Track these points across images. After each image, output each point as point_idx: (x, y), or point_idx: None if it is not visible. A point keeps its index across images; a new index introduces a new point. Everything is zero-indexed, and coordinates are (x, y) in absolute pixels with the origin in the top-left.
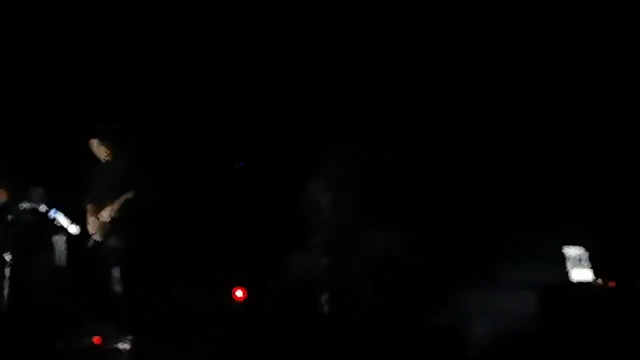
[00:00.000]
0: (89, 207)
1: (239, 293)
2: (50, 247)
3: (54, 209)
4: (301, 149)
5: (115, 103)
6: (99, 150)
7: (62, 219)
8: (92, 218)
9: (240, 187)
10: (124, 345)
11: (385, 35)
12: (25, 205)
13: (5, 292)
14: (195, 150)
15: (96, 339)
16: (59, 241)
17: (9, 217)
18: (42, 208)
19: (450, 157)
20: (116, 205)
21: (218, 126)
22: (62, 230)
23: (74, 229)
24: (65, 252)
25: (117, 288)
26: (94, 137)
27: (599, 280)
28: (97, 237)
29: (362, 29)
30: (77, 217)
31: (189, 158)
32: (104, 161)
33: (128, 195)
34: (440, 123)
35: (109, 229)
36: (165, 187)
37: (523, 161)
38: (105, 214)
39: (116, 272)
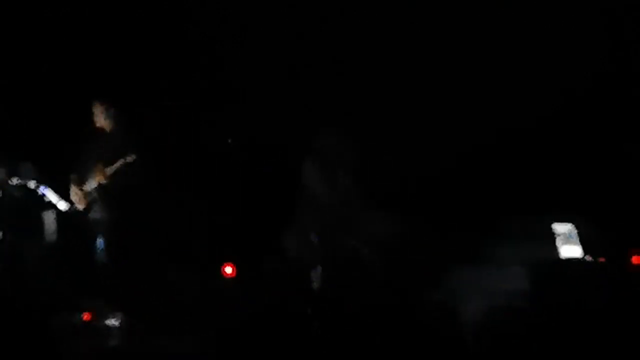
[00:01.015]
0: (73, 176)
1: (228, 269)
2: (40, 223)
3: (43, 184)
4: (295, 134)
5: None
6: (103, 115)
7: (51, 195)
8: (75, 188)
9: (232, 166)
10: (114, 322)
11: (381, 35)
12: (14, 181)
13: None
14: (185, 132)
15: (86, 315)
16: (49, 217)
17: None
18: (31, 184)
19: (442, 143)
20: (109, 170)
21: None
22: (52, 206)
23: (63, 205)
24: (55, 228)
25: (102, 259)
26: (103, 102)
27: (589, 257)
28: (79, 207)
29: (360, 28)
30: (66, 192)
31: (179, 139)
32: (101, 129)
33: (127, 159)
34: (436, 112)
35: (93, 199)
36: (157, 164)
37: (513, 143)
38: (92, 183)
39: (100, 244)
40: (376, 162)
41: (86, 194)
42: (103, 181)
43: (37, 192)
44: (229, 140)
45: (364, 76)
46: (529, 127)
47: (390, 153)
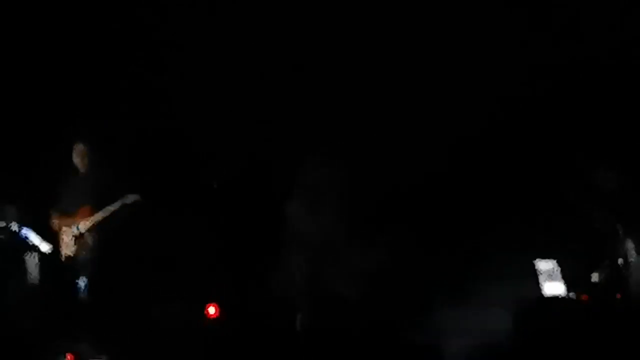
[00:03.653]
0: (58, 218)
1: (211, 310)
2: (23, 265)
3: (25, 227)
4: (279, 162)
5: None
6: (82, 157)
7: (33, 237)
8: (64, 229)
9: (216, 203)
10: None
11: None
12: None
13: None
14: (170, 166)
15: (70, 358)
16: (31, 260)
17: None
18: (14, 226)
19: (423, 172)
20: (99, 216)
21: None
22: (34, 248)
23: (45, 247)
24: (37, 270)
25: (85, 300)
26: (81, 142)
27: (572, 294)
28: (68, 252)
29: (341, 35)
30: (48, 234)
31: (163, 173)
32: (83, 170)
33: (127, 200)
34: (416, 135)
35: (81, 241)
36: (142, 203)
37: (496, 176)
38: (82, 225)
39: (82, 282)
40: (360, 191)
41: (78, 237)
42: (93, 223)
43: (20, 235)
44: (215, 185)
45: (344, 90)
46: (500, 143)
47: (374, 181)
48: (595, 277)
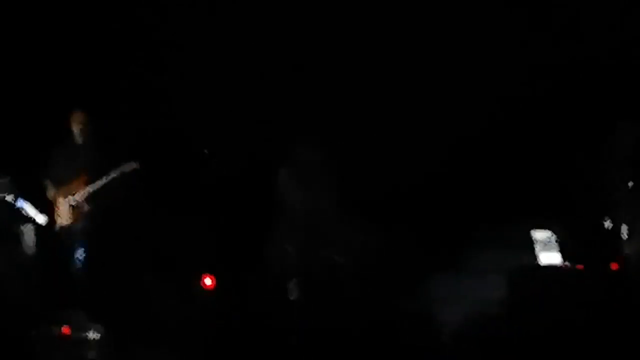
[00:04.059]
0: (54, 188)
1: (207, 281)
2: (18, 237)
3: (21, 198)
4: (273, 142)
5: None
6: (83, 125)
7: (29, 209)
8: (62, 200)
9: (211, 177)
10: (93, 335)
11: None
12: None
13: None
14: (165, 141)
15: (65, 329)
16: (27, 231)
17: None
18: (9, 198)
19: (421, 149)
20: (96, 185)
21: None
22: (30, 219)
23: (41, 219)
24: (33, 242)
25: (81, 269)
26: (81, 112)
27: (567, 264)
28: (64, 222)
29: (338, 31)
30: (44, 205)
31: (160, 148)
32: (81, 139)
33: (126, 167)
34: (413, 118)
35: (78, 211)
36: (137, 175)
37: (491, 149)
38: (79, 194)
39: (80, 254)
40: (353, 170)
41: (74, 207)
42: (90, 192)
43: (16, 206)
44: (205, 151)
45: (340, 83)
46: (510, 132)
47: (367, 160)
48: (607, 223)
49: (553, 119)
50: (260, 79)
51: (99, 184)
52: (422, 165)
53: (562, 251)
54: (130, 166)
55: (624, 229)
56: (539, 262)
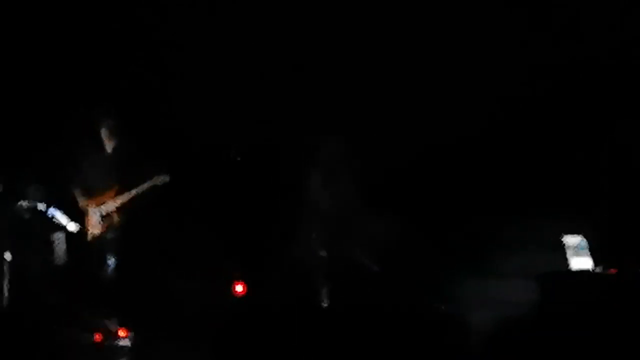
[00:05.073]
0: (85, 197)
1: (239, 288)
2: (50, 244)
3: (53, 206)
4: (297, 142)
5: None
6: (113, 134)
7: (60, 217)
8: (91, 209)
9: (238, 182)
10: (125, 342)
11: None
12: (24, 203)
13: (5, 290)
14: (193, 147)
15: (97, 336)
16: (58, 239)
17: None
18: (41, 206)
19: (448, 147)
20: (127, 196)
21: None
22: (61, 227)
23: (72, 227)
24: (64, 250)
25: (112, 278)
26: (111, 121)
27: (599, 269)
28: (95, 232)
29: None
30: (75, 214)
31: (187, 154)
32: (111, 148)
33: (159, 180)
34: (439, 115)
35: (109, 221)
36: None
37: (524, 151)
38: (110, 205)
39: (111, 263)
40: (379, 168)
41: (105, 217)
42: (121, 203)
43: (47, 214)
44: (238, 158)
45: (360, 80)
46: (527, 114)
47: (393, 161)
48: None
49: (553, 119)
50: (280, 79)
51: (129, 195)
52: (452, 169)
53: (594, 255)
54: (161, 179)
55: None
56: (571, 268)
